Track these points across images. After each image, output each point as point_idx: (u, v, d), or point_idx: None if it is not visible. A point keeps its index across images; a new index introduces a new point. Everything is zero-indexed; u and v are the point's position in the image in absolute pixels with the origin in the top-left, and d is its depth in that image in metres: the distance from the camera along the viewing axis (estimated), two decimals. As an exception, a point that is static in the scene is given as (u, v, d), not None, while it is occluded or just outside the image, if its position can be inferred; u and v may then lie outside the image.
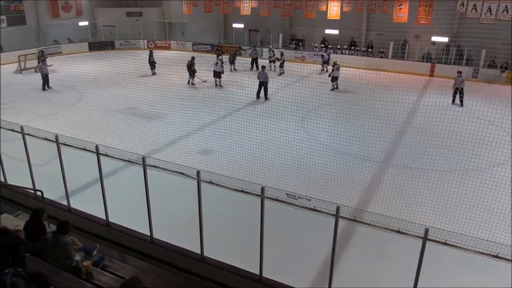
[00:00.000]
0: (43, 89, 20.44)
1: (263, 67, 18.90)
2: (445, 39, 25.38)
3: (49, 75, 20.70)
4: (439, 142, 12.91)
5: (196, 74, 21.12)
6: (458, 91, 18.12)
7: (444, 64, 24.73)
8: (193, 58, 21.22)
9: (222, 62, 21.17)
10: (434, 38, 25.54)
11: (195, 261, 7.08)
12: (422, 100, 18.94)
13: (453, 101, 18.14)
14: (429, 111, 15.16)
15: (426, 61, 25.38)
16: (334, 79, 20.48)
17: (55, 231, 6.00)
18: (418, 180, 10.80)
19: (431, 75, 24.79)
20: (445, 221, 8.09)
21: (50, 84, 20.72)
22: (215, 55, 24.00)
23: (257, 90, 18.50)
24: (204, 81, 21.00)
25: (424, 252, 5.20)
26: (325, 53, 25.97)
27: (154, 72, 23.19)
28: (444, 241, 5.06)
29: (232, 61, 25.15)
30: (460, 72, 18.57)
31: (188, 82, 21.21)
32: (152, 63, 23.19)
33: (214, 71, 20.74)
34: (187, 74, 21.08)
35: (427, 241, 5.12)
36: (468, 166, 11.52)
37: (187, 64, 21.05)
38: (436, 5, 23.13)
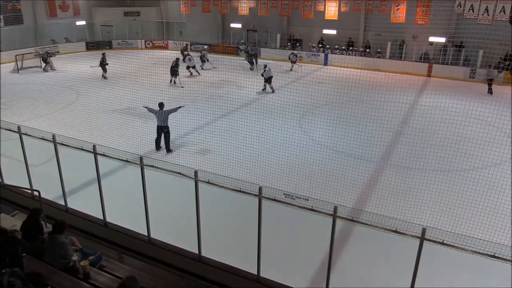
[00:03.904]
0: None
1: (161, 104, 12.66)
2: (442, 40, 25.45)
3: None
4: (437, 142, 12.96)
5: (178, 75, 21.31)
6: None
7: (442, 65, 24.80)
8: (177, 59, 21.66)
9: (190, 56, 23.43)
10: (432, 39, 25.59)
11: (192, 261, 7.08)
12: (420, 100, 18.99)
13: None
14: (426, 111, 15.20)
15: (424, 62, 25.43)
16: (269, 80, 19.99)
17: (51, 231, 5.99)
18: (415, 180, 10.82)
19: (429, 75, 24.84)
20: (442, 221, 8.11)
21: None
22: (181, 53, 25.12)
23: (156, 137, 12.88)
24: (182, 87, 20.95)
25: (422, 252, 5.21)
26: (292, 55, 25.84)
27: (105, 76, 22.56)
28: (441, 241, 5.07)
29: (251, 61, 25.57)
30: (490, 66, 21.62)
31: (171, 81, 21.19)
32: (103, 66, 22.47)
33: (188, 66, 23.05)
34: (185, 73, 21.23)
35: (425, 241, 5.13)
36: (465, 166, 11.57)
37: (172, 65, 21.27)
38: (434, 5, 23.18)
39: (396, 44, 26.77)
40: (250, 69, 25.30)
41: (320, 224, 6.13)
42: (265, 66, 20.22)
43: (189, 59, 23.21)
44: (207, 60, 25.83)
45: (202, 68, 25.17)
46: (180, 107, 12.86)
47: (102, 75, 22.57)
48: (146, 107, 12.74)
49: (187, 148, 12.88)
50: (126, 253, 7.49)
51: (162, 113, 12.49)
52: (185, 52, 25.13)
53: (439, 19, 23.35)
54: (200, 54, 26.47)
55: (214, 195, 7.45)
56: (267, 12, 29.11)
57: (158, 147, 12.83)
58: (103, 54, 23.03)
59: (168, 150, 12.74)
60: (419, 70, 24.80)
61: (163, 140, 12.75)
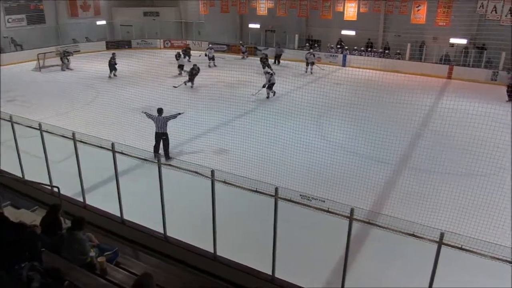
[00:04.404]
0: None
1: (160, 110, 12.26)
2: (464, 41, 25.00)
3: None
4: (457, 145, 12.72)
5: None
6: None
7: (463, 67, 24.37)
8: (195, 65, 21.25)
9: (184, 57, 24.46)
10: (453, 40, 25.15)
11: (207, 260, 7.11)
12: (440, 103, 18.70)
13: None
14: (446, 114, 14.93)
15: (444, 63, 25.05)
16: (272, 86, 19.23)
17: (70, 227, 6.07)
18: (434, 183, 10.65)
19: (449, 77, 24.45)
20: (461, 226, 7.96)
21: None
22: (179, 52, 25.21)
23: (154, 144, 12.07)
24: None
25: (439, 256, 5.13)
26: (310, 54, 25.39)
27: (115, 75, 22.76)
28: (460, 246, 4.98)
29: (266, 65, 24.58)
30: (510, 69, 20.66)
31: (185, 83, 20.93)
32: (112, 66, 22.63)
33: (179, 64, 23.62)
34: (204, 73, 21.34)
35: (443, 245, 5.05)
36: (486, 170, 11.31)
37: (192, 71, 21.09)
38: (455, 6, 22.81)
39: (416, 45, 26.42)
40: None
41: (336, 226, 6.08)
42: (268, 73, 19.54)
43: (180, 59, 23.53)
44: (213, 58, 26.51)
45: (209, 66, 25.69)
46: (179, 113, 12.48)
47: (109, 75, 22.73)
48: (144, 113, 12.41)
49: (204, 147, 12.92)
50: (143, 250, 7.56)
51: (160, 119, 11.98)
52: (178, 51, 25.25)
53: (461, 20, 22.94)
54: (205, 53, 26.99)
55: (230, 195, 7.46)
56: (286, 13, 29.05)
57: (156, 151, 11.94)
58: (113, 53, 23.34)
59: (167, 157, 12.03)
60: (439, 72, 24.43)
61: (162, 148, 12.14)
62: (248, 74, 21.20)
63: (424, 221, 6.38)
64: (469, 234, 5.27)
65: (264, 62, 24.80)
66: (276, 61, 27.88)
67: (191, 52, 28.28)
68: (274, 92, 19.41)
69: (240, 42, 31.25)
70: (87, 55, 28.37)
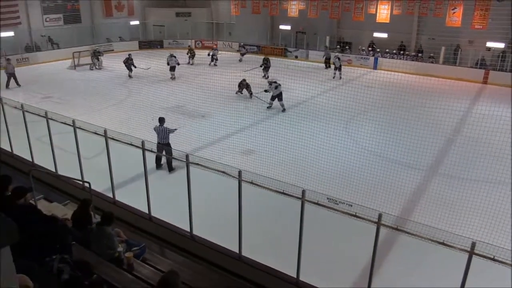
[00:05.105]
0: (6, 87, 20.16)
1: (161, 120, 11.48)
2: (501, 45, 24.15)
3: (15, 74, 20.61)
4: (491, 152, 12.31)
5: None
6: None
7: (500, 71, 23.57)
8: (244, 80, 19.62)
9: (175, 57, 22.87)
10: (490, 44, 24.36)
11: (232, 260, 7.13)
12: (474, 108, 18.15)
13: None
14: (481, 120, 14.48)
15: (480, 68, 24.29)
16: (278, 97, 17.44)
17: (99, 222, 6.21)
18: (466, 191, 10.33)
19: (485, 82, 23.68)
20: (493, 236, 7.70)
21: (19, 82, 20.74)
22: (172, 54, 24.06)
23: (156, 155, 11.02)
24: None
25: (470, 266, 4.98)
26: (335, 58, 24.25)
27: (131, 76, 22.96)
28: (492, 256, 4.81)
29: (265, 68, 23.57)
30: None
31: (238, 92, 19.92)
32: (127, 66, 22.77)
33: (171, 66, 22.39)
34: (232, 74, 21.26)
35: (474, 255, 4.89)
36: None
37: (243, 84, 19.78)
38: (493, 9, 22.10)
39: (451, 49, 25.72)
40: (264, 77, 22.91)
41: (363, 231, 6.00)
42: (273, 83, 17.59)
43: (172, 60, 22.86)
44: (216, 59, 26.54)
45: (209, 65, 26.12)
46: (176, 129, 11.71)
47: (128, 74, 23.05)
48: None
49: (231, 148, 12.98)
50: (169, 248, 7.65)
51: (162, 130, 11.30)
52: (171, 53, 23.97)
53: (499, 24, 22.21)
54: (210, 53, 26.96)
55: (255, 195, 7.47)
56: (317, 14, 28.87)
57: (158, 165, 11.49)
58: (129, 54, 23.56)
59: (170, 169, 11.34)
60: (474, 77, 23.70)
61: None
62: (280, 76, 21.08)
63: (454, 229, 6.22)
64: (502, 245, 5.10)
65: (265, 64, 23.46)
66: (327, 65, 26.43)
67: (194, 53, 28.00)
68: (283, 106, 17.67)
69: (241, 44, 30.87)
70: (120, 55, 28.97)
